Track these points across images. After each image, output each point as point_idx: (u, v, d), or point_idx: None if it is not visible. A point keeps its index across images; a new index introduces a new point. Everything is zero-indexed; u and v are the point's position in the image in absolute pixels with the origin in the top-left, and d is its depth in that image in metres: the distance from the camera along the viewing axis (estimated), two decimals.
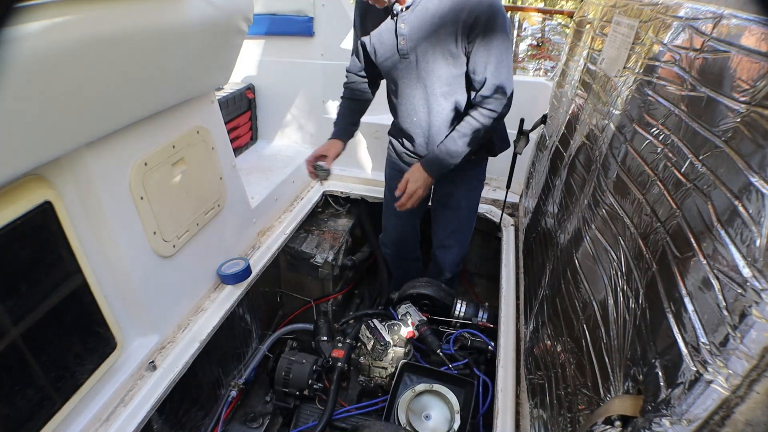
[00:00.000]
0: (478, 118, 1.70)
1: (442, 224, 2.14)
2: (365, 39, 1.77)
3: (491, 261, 2.51)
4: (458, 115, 1.78)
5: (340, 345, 1.90)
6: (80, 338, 1.26)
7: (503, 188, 2.43)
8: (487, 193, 2.61)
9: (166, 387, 1.45)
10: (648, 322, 0.76)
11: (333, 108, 2.80)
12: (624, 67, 1.25)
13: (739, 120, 0.66)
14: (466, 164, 1.81)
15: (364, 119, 2.86)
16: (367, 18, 1.73)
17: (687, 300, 0.66)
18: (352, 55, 1.93)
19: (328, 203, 2.79)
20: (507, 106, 1.72)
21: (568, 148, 1.66)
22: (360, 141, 2.85)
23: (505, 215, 2.47)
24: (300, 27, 2.61)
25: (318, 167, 1.92)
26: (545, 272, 1.54)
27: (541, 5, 10.27)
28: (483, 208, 2.54)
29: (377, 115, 2.80)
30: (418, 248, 2.39)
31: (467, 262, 3.04)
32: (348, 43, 2.62)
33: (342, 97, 2.05)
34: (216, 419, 1.91)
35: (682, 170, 0.78)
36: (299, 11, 2.58)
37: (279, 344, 2.24)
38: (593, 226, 1.14)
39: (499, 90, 1.68)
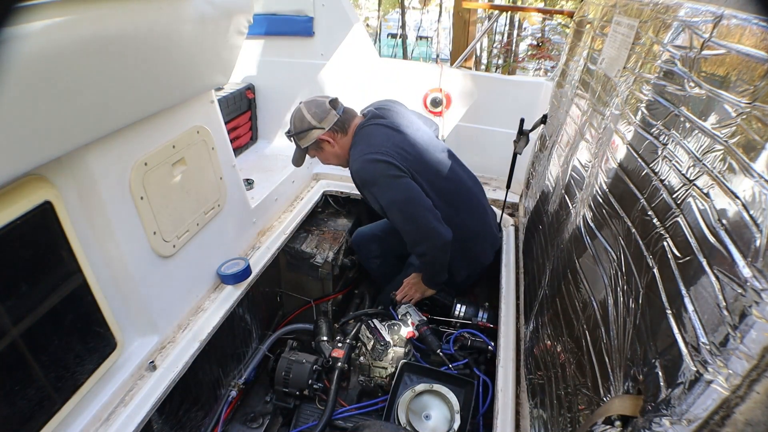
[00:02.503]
0: (420, 262, 1.99)
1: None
2: None
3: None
4: None
5: (340, 345, 1.90)
6: (80, 338, 1.26)
7: (503, 188, 2.43)
8: (487, 193, 2.60)
9: (166, 387, 1.45)
10: (648, 322, 0.76)
11: None
12: (624, 67, 1.25)
13: (739, 120, 0.66)
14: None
15: None
16: None
17: (687, 300, 0.66)
18: None
19: (328, 203, 2.79)
20: (433, 246, 1.87)
21: (567, 148, 1.66)
22: None
23: (505, 215, 2.47)
24: (300, 27, 2.61)
25: None
26: (545, 272, 1.54)
27: (541, 5, 10.26)
28: None
29: None
30: (376, 249, 2.44)
31: None
32: (347, 42, 2.62)
33: None
34: (216, 419, 1.91)
35: (682, 170, 0.78)
36: (299, 11, 2.58)
37: (279, 344, 2.23)
38: (593, 226, 1.14)
39: (416, 242, 1.88)
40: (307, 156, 2.04)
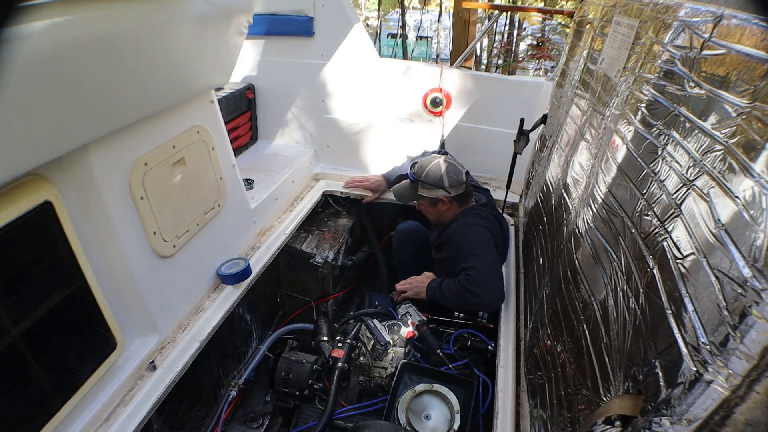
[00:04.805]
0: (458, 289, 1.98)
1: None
2: None
3: None
4: None
5: (340, 345, 1.89)
6: (80, 338, 1.26)
7: (503, 188, 2.43)
8: None
9: (166, 387, 1.45)
10: (648, 322, 0.76)
11: (334, 107, 2.80)
12: (624, 67, 1.25)
13: (739, 120, 0.66)
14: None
15: (362, 119, 2.86)
16: None
17: (687, 300, 0.66)
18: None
19: (328, 203, 2.79)
20: (483, 296, 1.90)
21: (567, 148, 1.66)
22: (360, 141, 2.85)
23: (505, 215, 2.47)
24: (300, 27, 2.61)
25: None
26: (545, 272, 1.54)
27: (541, 5, 10.26)
28: None
29: (375, 114, 2.80)
30: (414, 245, 2.46)
31: None
32: (348, 42, 2.62)
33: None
34: (216, 419, 1.91)
35: (682, 170, 0.78)
36: (299, 11, 2.58)
37: (279, 344, 2.23)
38: (593, 226, 1.14)
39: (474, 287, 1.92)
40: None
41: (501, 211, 2.48)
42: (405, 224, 2.52)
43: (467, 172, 2.11)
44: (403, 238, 2.49)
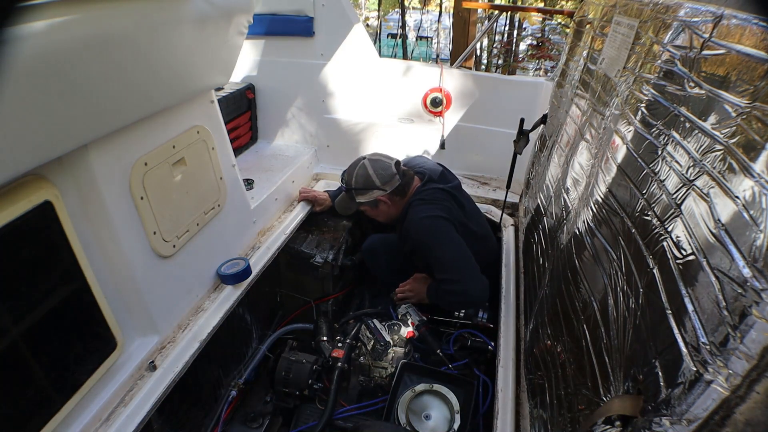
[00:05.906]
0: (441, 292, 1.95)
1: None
2: None
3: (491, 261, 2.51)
4: None
5: (340, 345, 1.89)
6: (80, 338, 1.26)
7: (503, 188, 2.43)
8: (487, 193, 2.61)
9: (166, 387, 1.45)
10: (648, 322, 0.76)
11: (334, 107, 2.80)
12: (624, 67, 1.25)
13: (739, 120, 0.66)
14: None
15: (362, 119, 2.86)
16: None
17: (687, 300, 0.66)
18: None
19: None
20: (463, 293, 1.88)
21: (567, 148, 1.66)
22: (360, 141, 2.85)
23: (505, 215, 2.47)
24: (300, 27, 2.61)
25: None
26: (545, 272, 1.54)
27: (541, 5, 10.26)
28: (483, 208, 2.54)
29: (374, 112, 2.80)
30: (387, 258, 2.43)
31: None
32: (348, 42, 2.62)
33: None
34: (216, 419, 1.91)
35: (682, 170, 0.78)
36: (299, 11, 2.58)
37: (279, 344, 2.23)
38: (593, 226, 1.14)
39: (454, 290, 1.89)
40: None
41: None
42: (368, 241, 2.47)
43: (397, 162, 2.02)
44: (372, 255, 2.44)
